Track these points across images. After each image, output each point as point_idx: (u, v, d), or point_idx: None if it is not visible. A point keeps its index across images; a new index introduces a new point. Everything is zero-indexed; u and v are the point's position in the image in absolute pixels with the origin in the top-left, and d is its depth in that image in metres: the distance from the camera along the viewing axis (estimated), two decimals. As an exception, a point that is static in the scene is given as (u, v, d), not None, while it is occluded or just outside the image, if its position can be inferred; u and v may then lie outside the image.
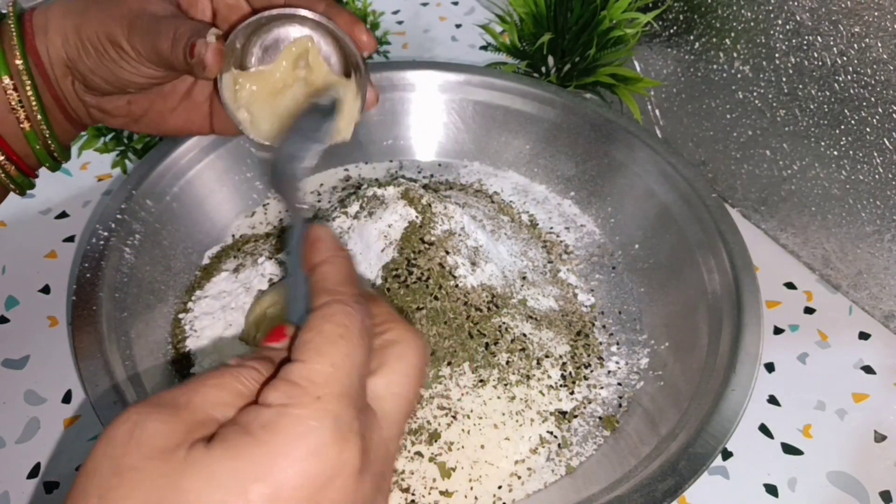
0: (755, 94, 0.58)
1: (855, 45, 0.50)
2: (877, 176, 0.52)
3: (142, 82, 0.41)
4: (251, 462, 0.21)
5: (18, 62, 0.39)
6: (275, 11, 0.38)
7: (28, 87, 0.40)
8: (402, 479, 0.42)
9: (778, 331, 0.56)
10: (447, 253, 0.48)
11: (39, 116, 0.41)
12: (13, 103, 0.40)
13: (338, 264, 0.27)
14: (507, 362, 0.46)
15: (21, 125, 0.41)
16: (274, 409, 0.22)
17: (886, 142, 0.51)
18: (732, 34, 0.58)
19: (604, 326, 0.52)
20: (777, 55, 0.55)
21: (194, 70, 0.37)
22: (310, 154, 0.34)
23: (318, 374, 0.23)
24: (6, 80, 0.39)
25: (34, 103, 0.40)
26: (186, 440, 0.21)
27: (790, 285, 0.59)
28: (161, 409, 0.22)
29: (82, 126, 0.45)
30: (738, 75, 0.58)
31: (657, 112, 0.67)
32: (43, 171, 0.45)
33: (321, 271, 0.27)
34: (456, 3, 0.86)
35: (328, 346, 0.23)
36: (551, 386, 0.47)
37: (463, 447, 0.44)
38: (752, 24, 0.56)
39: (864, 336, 0.56)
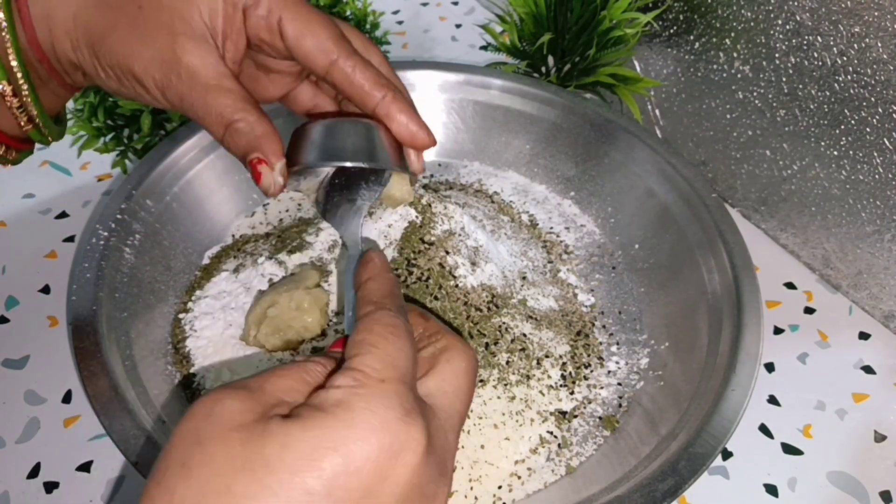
0: (755, 94, 0.58)
1: (855, 45, 0.50)
2: (877, 176, 0.52)
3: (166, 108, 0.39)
4: (325, 432, 0.23)
5: (13, 62, 0.36)
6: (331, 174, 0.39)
7: (25, 91, 0.37)
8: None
9: (778, 331, 0.56)
10: (447, 253, 0.48)
11: (40, 121, 0.39)
12: (14, 110, 0.37)
13: (381, 281, 0.30)
14: (507, 362, 0.46)
15: (24, 128, 0.38)
16: (343, 390, 0.24)
17: (886, 142, 0.51)
18: (732, 34, 0.58)
19: (604, 326, 0.52)
20: (777, 55, 0.55)
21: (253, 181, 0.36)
22: (367, 201, 0.40)
23: (379, 362, 0.25)
24: (4, 84, 0.36)
25: (31, 106, 0.38)
26: (263, 416, 0.23)
27: (790, 285, 0.59)
28: (238, 391, 0.24)
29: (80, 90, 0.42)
30: (738, 75, 0.58)
31: (657, 112, 0.67)
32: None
33: (367, 287, 0.30)
34: (456, 3, 0.86)
35: (381, 341, 0.26)
36: (551, 386, 0.47)
37: (463, 447, 0.44)
38: (752, 24, 0.56)
39: (864, 336, 0.56)
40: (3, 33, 0.35)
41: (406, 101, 0.38)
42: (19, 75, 0.36)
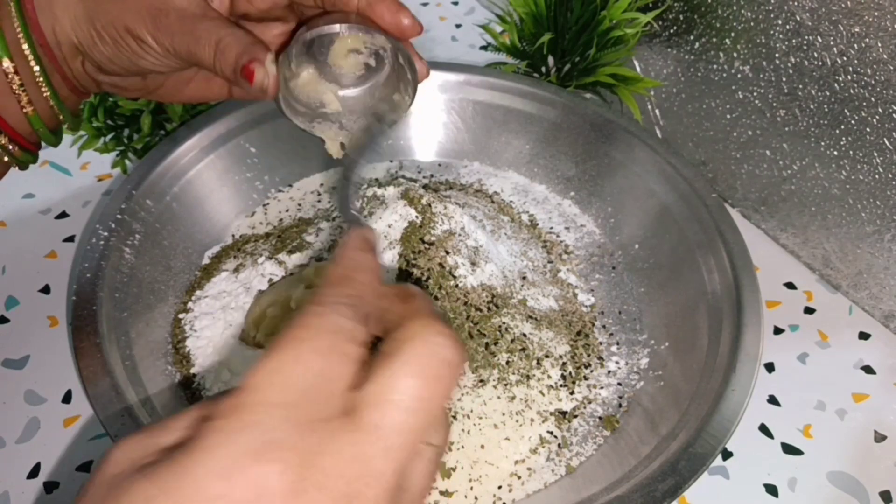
0: (755, 94, 0.58)
1: (855, 45, 0.50)
2: (877, 176, 0.52)
3: (165, 71, 0.39)
4: (161, 485, 0.19)
5: (24, 46, 0.37)
6: (315, 32, 0.39)
7: (37, 72, 0.38)
8: (402, 479, 0.42)
9: (778, 331, 0.56)
10: (447, 253, 0.48)
11: (52, 102, 0.40)
12: (15, 88, 0.38)
13: (340, 263, 0.24)
14: (507, 362, 0.46)
15: (24, 109, 0.39)
16: (203, 425, 0.20)
17: (886, 142, 0.51)
18: (732, 34, 0.58)
19: (604, 326, 0.52)
20: (777, 55, 0.55)
21: (245, 88, 0.37)
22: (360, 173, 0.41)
23: (253, 380, 0.20)
24: (6, 63, 0.37)
25: (43, 86, 0.39)
26: (135, 465, 0.20)
27: (790, 285, 0.59)
28: (138, 434, 0.21)
29: (89, 95, 0.43)
30: (738, 75, 0.58)
31: (657, 112, 0.67)
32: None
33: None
34: (456, 3, 0.86)
35: (276, 350, 0.20)
36: (551, 386, 0.47)
37: (463, 447, 0.44)
38: (752, 24, 0.56)
39: (864, 336, 0.56)
40: (14, 21, 0.37)
41: None
42: (30, 56, 0.38)
